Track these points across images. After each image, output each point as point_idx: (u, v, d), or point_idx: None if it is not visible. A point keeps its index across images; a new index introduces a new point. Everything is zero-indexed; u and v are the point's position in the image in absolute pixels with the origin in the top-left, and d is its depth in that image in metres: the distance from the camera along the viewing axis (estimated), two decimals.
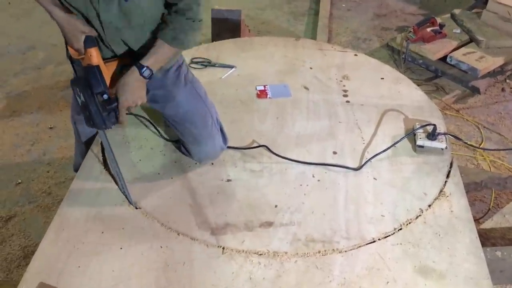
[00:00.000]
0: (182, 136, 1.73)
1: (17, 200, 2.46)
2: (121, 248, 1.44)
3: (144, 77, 1.51)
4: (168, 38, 1.50)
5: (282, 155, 1.79)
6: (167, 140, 1.85)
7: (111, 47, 1.54)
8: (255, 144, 1.84)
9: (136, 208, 1.57)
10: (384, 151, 1.80)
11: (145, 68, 1.49)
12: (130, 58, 1.55)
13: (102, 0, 1.39)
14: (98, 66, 1.46)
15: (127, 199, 1.60)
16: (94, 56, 1.46)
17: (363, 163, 1.76)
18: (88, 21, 1.46)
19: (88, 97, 1.44)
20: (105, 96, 1.46)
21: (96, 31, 1.47)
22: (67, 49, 1.55)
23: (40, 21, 4.16)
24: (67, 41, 1.48)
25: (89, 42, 1.45)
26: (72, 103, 1.85)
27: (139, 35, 1.53)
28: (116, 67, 1.55)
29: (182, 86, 1.69)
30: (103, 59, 1.50)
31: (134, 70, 1.50)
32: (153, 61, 1.51)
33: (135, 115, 1.90)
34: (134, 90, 1.51)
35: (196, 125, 1.70)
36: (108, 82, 1.50)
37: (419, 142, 1.81)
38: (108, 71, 1.51)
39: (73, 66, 1.66)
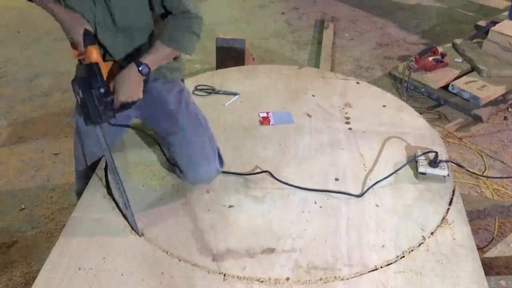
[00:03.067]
0: (178, 157, 1.74)
1: (20, 226, 2.46)
2: (122, 274, 1.44)
3: (142, 74, 1.56)
4: (165, 38, 1.57)
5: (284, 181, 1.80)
6: (168, 160, 1.87)
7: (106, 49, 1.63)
8: (258, 170, 1.85)
9: (140, 236, 1.58)
10: (385, 178, 1.81)
11: (143, 66, 1.56)
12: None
13: None
14: (97, 63, 1.52)
15: (132, 227, 1.60)
16: (94, 54, 1.53)
17: (365, 189, 1.77)
18: None
19: (86, 92, 1.49)
20: (102, 90, 1.51)
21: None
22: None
23: (48, 50, 4.24)
24: (68, 36, 1.55)
25: (89, 40, 1.53)
26: (76, 125, 1.86)
27: (127, 43, 1.63)
28: (115, 66, 1.62)
29: (183, 107, 1.76)
30: (104, 60, 1.58)
31: (132, 67, 1.56)
32: (151, 59, 1.58)
33: (132, 127, 1.94)
34: (130, 86, 1.56)
35: (193, 146, 1.72)
36: (106, 78, 1.56)
37: (421, 169, 1.82)
38: (107, 68, 1.58)
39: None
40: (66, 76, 3.80)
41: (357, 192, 1.76)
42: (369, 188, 1.77)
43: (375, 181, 1.80)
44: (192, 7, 1.57)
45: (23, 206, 2.58)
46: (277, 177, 1.81)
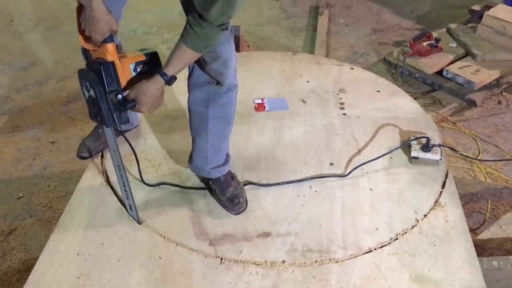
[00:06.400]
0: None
1: (18, 214, 2.47)
2: (119, 260, 1.46)
3: (169, 85, 1.44)
4: (190, 44, 1.37)
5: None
6: (146, 184, 1.77)
7: None
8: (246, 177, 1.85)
9: (140, 223, 1.59)
10: (373, 160, 1.84)
11: (170, 77, 1.42)
12: (143, 55, 1.47)
13: None
14: (113, 63, 1.37)
15: (133, 217, 1.61)
16: (110, 51, 1.37)
17: (355, 171, 1.80)
18: None
19: (100, 95, 1.36)
20: (119, 97, 1.40)
21: None
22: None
23: (41, 38, 4.22)
24: (87, 29, 1.34)
25: (108, 37, 1.36)
26: None
27: None
28: (128, 65, 1.45)
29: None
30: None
31: (158, 80, 1.41)
32: (178, 69, 1.43)
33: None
34: (155, 99, 1.44)
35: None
36: (122, 81, 1.42)
37: (413, 154, 1.84)
38: (122, 68, 1.42)
39: (85, 56, 1.58)
40: (60, 64, 3.79)
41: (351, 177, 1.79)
42: (355, 168, 1.80)
43: (367, 163, 1.82)
44: (214, 19, 1.32)
45: (20, 195, 2.59)
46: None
